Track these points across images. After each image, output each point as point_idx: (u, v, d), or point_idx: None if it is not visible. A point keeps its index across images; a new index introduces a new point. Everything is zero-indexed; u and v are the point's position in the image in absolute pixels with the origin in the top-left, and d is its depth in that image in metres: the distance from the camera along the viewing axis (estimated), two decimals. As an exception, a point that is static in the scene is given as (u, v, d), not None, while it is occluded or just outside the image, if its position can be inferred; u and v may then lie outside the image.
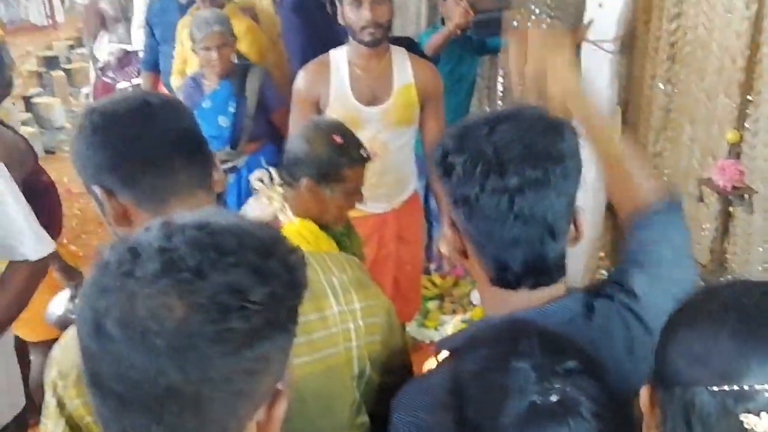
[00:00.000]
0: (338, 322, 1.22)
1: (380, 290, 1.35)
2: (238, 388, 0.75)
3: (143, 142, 1.13)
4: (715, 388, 0.81)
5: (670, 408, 0.85)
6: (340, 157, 2.10)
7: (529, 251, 1.10)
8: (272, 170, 2.18)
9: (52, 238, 2.98)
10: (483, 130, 1.10)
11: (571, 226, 1.16)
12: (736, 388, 0.80)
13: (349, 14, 2.64)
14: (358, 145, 2.18)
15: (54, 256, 2.73)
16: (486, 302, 1.22)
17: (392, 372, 1.33)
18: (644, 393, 0.91)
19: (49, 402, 1.19)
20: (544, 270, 1.13)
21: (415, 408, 1.13)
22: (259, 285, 0.73)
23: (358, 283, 1.27)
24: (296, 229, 2.03)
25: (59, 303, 2.80)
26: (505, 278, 1.13)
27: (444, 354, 1.19)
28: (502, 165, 1.06)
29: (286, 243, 0.81)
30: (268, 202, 2.08)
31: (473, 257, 1.16)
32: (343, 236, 2.25)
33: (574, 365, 0.93)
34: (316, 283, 1.23)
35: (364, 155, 2.17)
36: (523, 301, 1.14)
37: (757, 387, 0.79)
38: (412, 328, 3.73)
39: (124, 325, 0.71)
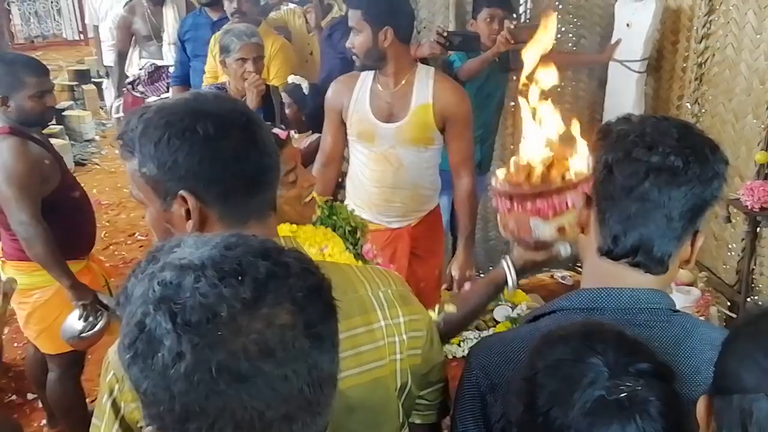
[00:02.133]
0: (385, 336, 1.23)
1: (422, 306, 1.36)
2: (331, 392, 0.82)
3: (250, 161, 1.13)
4: None
5: (728, 415, 0.86)
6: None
7: (642, 229, 1.15)
8: None
9: (84, 253, 3.03)
10: (652, 118, 1.19)
11: (689, 244, 1.20)
12: None
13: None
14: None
15: (65, 274, 2.77)
16: (586, 274, 1.27)
17: (430, 385, 1.35)
18: (702, 403, 0.92)
19: (104, 403, 1.20)
20: (649, 253, 1.16)
21: (491, 353, 1.24)
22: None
23: (402, 297, 1.28)
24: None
25: (71, 322, 2.84)
26: (613, 249, 1.17)
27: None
28: (652, 142, 1.12)
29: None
30: None
31: (591, 227, 1.21)
32: (329, 217, 2.19)
33: (646, 366, 0.96)
34: (365, 297, 1.24)
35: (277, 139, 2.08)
36: (622, 278, 1.19)
37: None
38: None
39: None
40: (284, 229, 1.88)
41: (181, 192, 1.12)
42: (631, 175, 1.13)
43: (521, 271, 1.49)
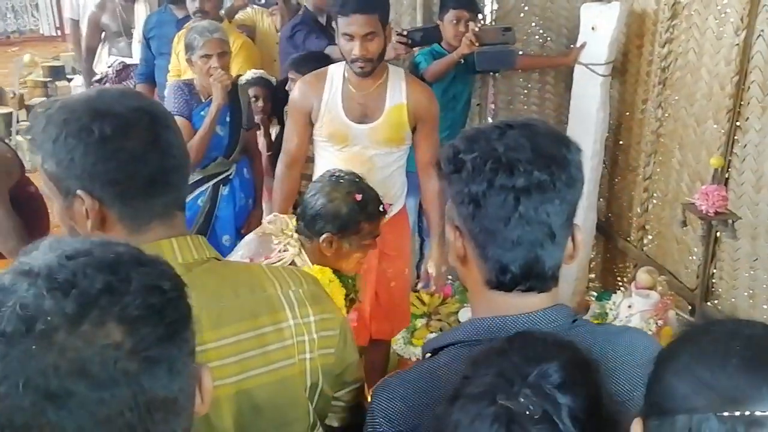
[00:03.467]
0: (294, 335, 1.23)
1: (335, 305, 1.36)
2: (191, 370, 0.80)
3: (150, 162, 1.12)
4: (725, 414, 0.78)
5: None
6: (360, 214, 2.20)
7: (529, 253, 1.12)
8: (287, 218, 2.29)
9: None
10: (494, 133, 1.13)
11: (570, 242, 1.18)
12: (747, 413, 0.77)
13: (343, 45, 2.74)
14: (377, 200, 2.28)
15: None
16: (476, 306, 1.23)
17: (345, 386, 1.35)
18: (636, 426, 0.88)
19: None
20: (540, 275, 1.14)
21: (392, 398, 1.17)
22: (164, 278, 0.79)
23: (313, 297, 1.28)
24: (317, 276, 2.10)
25: None
26: (502, 280, 1.14)
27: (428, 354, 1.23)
28: (510, 164, 1.08)
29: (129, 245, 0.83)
30: (282, 247, 2.18)
31: (472, 260, 1.17)
32: (350, 279, 2.34)
33: (551, 373, 0.93)
34: (273, 296, 1.24)
35: (381, 210, 2.28)
36: (514, 306, 1.16)
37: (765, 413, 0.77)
38: (398, 345, 3.73)
39: (81, 375, 0.70)
40: (327, 273, 2.15)
41: (78, 191, 1.10)
42: (502, 205, 1.09)
43: None
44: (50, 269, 0.73)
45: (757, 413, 0.77)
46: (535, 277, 1.14)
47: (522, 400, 0.91)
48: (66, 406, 0.69)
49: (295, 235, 2.22)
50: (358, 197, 2.20)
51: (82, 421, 0.70)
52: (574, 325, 1.18)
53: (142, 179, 1.12)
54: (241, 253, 2.21)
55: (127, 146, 1.10)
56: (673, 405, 0.83)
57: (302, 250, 2.17)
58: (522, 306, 1.16)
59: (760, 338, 0.84)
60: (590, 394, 0.95)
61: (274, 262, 2.05)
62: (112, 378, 0.71)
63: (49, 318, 0.70)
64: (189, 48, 3.35)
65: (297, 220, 2.26)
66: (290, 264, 2.08)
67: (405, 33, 3.41)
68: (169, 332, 0.76)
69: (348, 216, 2.18)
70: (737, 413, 0.78)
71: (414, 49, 3.57)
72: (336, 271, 2.22)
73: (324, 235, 2.17)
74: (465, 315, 3.72)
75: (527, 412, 0.91)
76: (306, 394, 1.27)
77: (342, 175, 2.29)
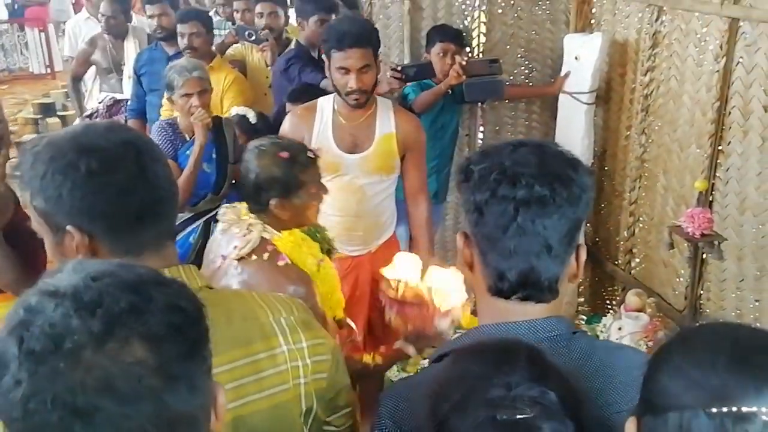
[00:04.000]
0: (288, 360, 1.25)
1: (326, 331, 1.38)
2: (209, 386, 0.83)
3: (138, 195, 1.13)
4: (714, 410, 0.82)
5: None
6: (293, 168, 2.21)
7: (525, 263, 1.16)
8: (238, 204, 2.28)
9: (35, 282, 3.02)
10: (507, 149, 1.19)
11: (573, 261, 1.22)
12: (734, 409, 0.81)
13: (337, 78, 2.80)
14: (303, 149, 2.30)
15: None
16: (481, 312, 1.28)
17: (337, 410, 1.37)
18: (630, 425, 0.91)
19: None
20: (536, 284, 1.18)
21: (399, 400, 1.22)
22: (183, 298, 0.83)
23: (304, 323, 1.31)
24: (289, 241, 2.19)
25: None
26: (500, 287, 1.19)
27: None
28: (514, 176, 1.14)
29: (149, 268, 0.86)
30: (247, 231, 2.17)
31: (477, 266, 1.22)
32: (314, 233, 2.39)
33: (548, 395, 0.97)
34: (265, 323, 1.26)
35: (312, 156, 2.29)
36: (515, 313, 1.19)
37: (755, 409, 0.81)
38: (393, 372, 3.74)
39: (107, 391, 0.73)
40: (296, 234, 2.25)
41: (68, 227, 1.12)
42: (502, 214, 1.14)
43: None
44: (76, 290, 0.76)
45: (744, 409, 0.81)
46: (531, 286, 1.18)
47: (518, 415, 0.95)
48: (93, 422, 0.72)
49: (252, 215, 2.22)
50: (285, 155, 2.21)
51: None
52: (574, 336, 1.23)
53: (131, 212, 1.14)
54: (211, 257, 2.22)
55: (115, 180, 1.12)
56: (665, 403, 0.87)
57: (264, 226, 2.18)
58: (522, 313, 1.20)
59: (747, 339, 0.89)
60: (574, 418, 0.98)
61: (244, 246, 2.07)
62: (137, 394, 0.73)
63: (76, 337, 0.73)
64: (169, 87, 3.39)
65: (245, 201, 2.27)
66: (260, 242, 2.10)
67: (399, 68, 3.51)
68: (190, 350, 0.79)
69: (284, 175, 2.19)
70: (725, 409, 0.82)
71: (407, 83, 3.65)
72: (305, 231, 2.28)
73: (272, 202, 2.18)
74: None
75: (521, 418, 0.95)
76: (301, 419, 1.29)
77: (262, 142, 2.30)
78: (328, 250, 2.39)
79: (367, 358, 2.16)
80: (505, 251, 1.16)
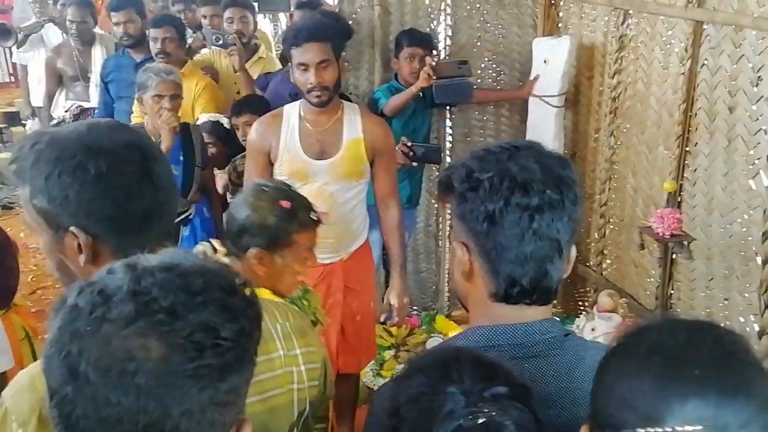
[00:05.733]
0: (283, 365, 1.28)
1: (318, 340, 1.39)
2: (212, 418, 0.79)
3: (144, 197, 1.14)
4: (640, 431, 0.85)
5: None
6: (289, 223, 1.95)
7: (539, 268, 1.18)
8: (214, 242, 1.95)
9: (9, 297, 2.96)
10: (504, 154, 1.21)
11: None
12: (659, 430, 0.83)
13: (297, 77, 2.78)
14: (308, 207, 2.05)
15: None
16: (476, 316, 1.28)
17: (315, 420, 1.38)
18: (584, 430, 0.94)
19: None
20: (546, 288, 1.20)
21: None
22: (229, 322, 0.79)
23: (299, 330, 1.33)
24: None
25: None
26: (510, 293, 1.20)
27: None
28: (526, 184, 1.16)
29: (244, 280, 0.86)
30: None
31: (479, 274, 1.22)
32: (301, 299, 2.21)
33: (502, 391, 0.99)
34: (264, 328, 1.26)
35: (314, 218, 2.04)
36: (512, 317, 1.21)
37: (678, 428, 0.83)
38: (368, 378, 3.74)
39: (102, 367, 0.74)
40: (265, 293, 1.87)
41: (72, 229, 1.11)
42: (518, 222, 1.17)
43: None
44: (154, 268, 0.80)
45: (668, 429, 0.84)
46: (542, 290, 1.21)
47: (480, 418, 0.96)
48: (81, 390, 0.75)
49: (225, 260, 1.87)
50: (286, 204, 1.96)
51: (88, 410, 0.75)
52: (567, 338, 1.26)
53: (137, 214, 1.14)
54: None
55: (122, 182, 1.12)
56: (604, 420, 0.90)
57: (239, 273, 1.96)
58: (519, 317, 1.23)
59: (679, 348, 0.90)
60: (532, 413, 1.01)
61: None
62: (125, 386, 0.75)
63: (109, 307, 0.76)
64: (142, 87, 3.38)
65: (227, 240, 2.00)
66: None
67: (409, 145, 3.62)
68: (196, 375, 0.77)
69: (276, 226, 1.92)
70: (651, 430, 0.84)
71: (413, 163, 3.72)
72: (279, 295, 1.93)
73: (252, 250, 1.91)
74: (432, 344, 3.74)
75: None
76: (294, 424, 1.30)
77: (267, 183, 2.10)
78: (313, 321, 2.14)
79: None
80: (520, 257, 1.18)
